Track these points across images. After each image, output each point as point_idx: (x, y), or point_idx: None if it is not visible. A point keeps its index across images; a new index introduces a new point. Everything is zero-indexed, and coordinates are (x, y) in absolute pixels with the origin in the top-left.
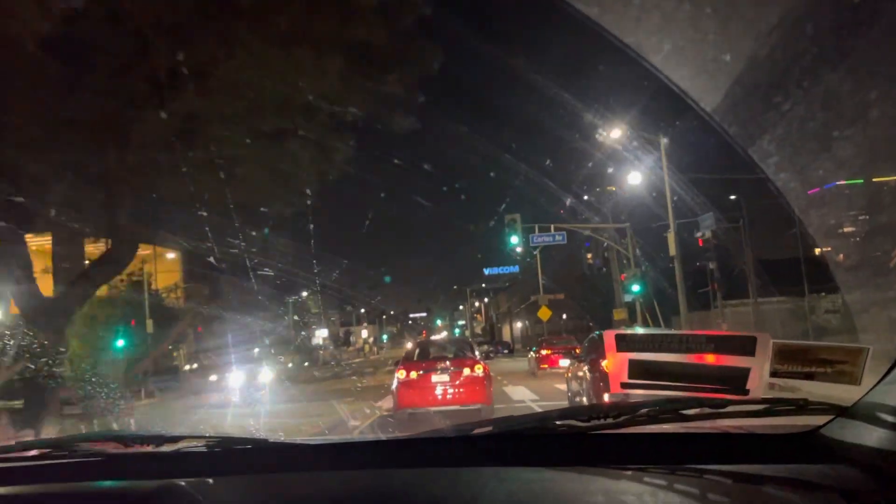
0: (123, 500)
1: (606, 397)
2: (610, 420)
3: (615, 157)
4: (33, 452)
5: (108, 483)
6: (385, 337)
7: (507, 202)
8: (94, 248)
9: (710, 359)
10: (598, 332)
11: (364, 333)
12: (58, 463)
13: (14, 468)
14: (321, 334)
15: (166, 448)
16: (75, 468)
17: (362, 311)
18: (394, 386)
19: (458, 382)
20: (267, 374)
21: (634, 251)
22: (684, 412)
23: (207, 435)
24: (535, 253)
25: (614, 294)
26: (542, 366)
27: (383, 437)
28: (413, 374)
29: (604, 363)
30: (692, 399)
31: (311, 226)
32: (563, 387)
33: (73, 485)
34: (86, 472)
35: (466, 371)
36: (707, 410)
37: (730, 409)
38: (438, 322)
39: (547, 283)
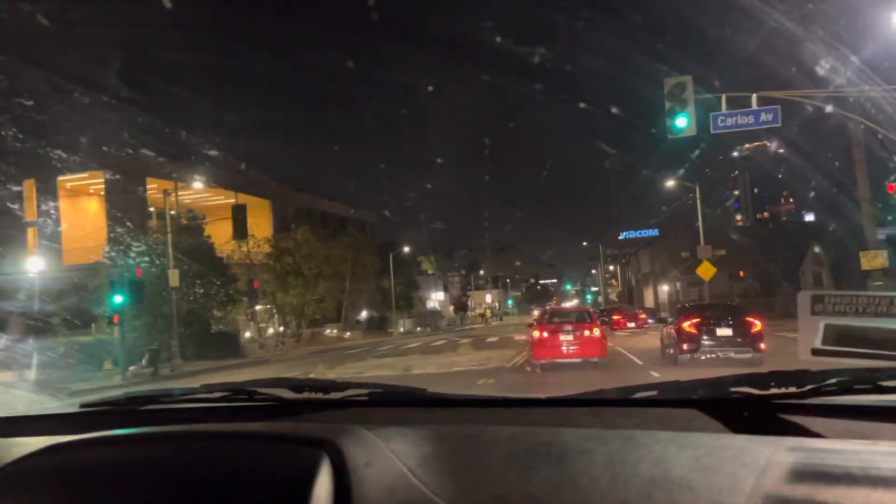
0: (308, 442)
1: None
2: (793, 389)
3: None
4: (216, 394)
5: (289, 423)
6: (510, 302)
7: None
8: None
9: None
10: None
11: (488, 298)
12: (239, 405)
13: (199, 409)
14: (436, 297)
15: (334, 395)
16: (254, 411)
17: (484, 273)
18: (529, 341)
19: (579, 340)
20: None
21: None
22: (884, 384)
23: (371, 384)
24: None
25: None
26: (682, 347)
27: (542, 395)
28: (545, 333)
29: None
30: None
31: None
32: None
33: (259, 424)
34: (265, 414)
35: (586, 332)
36: None
37: None
38: (569, 287)
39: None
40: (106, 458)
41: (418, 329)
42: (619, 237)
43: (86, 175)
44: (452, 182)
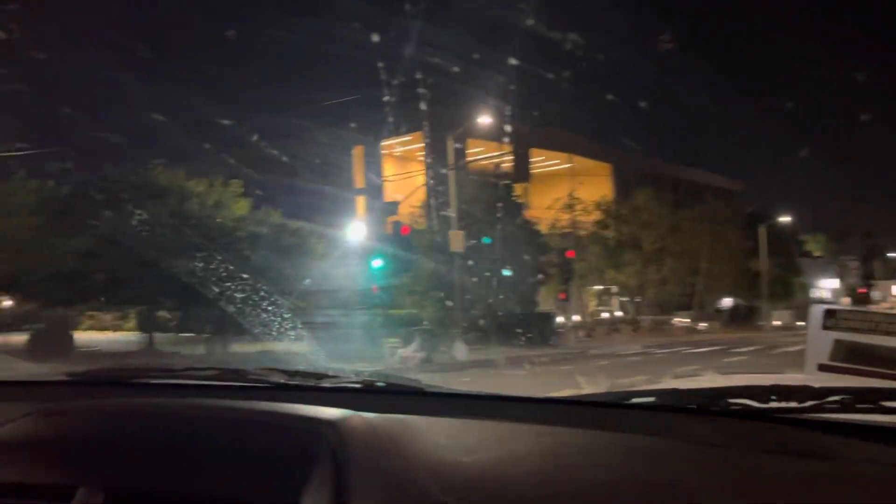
0: (307, 422)
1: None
2: (793, 404)
3: None
4: (209, 373)
5: (279, 406)
6: None
7: None
8: None
9: None
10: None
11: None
12: (228, 385)
13: (186, 385)
14: (826, 285)
15: (326, 383)
16: (244, 391)
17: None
18: None
19: None
20: None
21: None
22: (887, 404)
23: (362, 371)
24: None
25: None
26: None
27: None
28: None
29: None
30: None
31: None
32: None
33: (248, 403)
34: (255, 396)
35: None
36: None
37: None
38: None
39: None
40: (91, 426)
41: (798, 323)
42: None
43: (409, 138)
44: (849, 150)
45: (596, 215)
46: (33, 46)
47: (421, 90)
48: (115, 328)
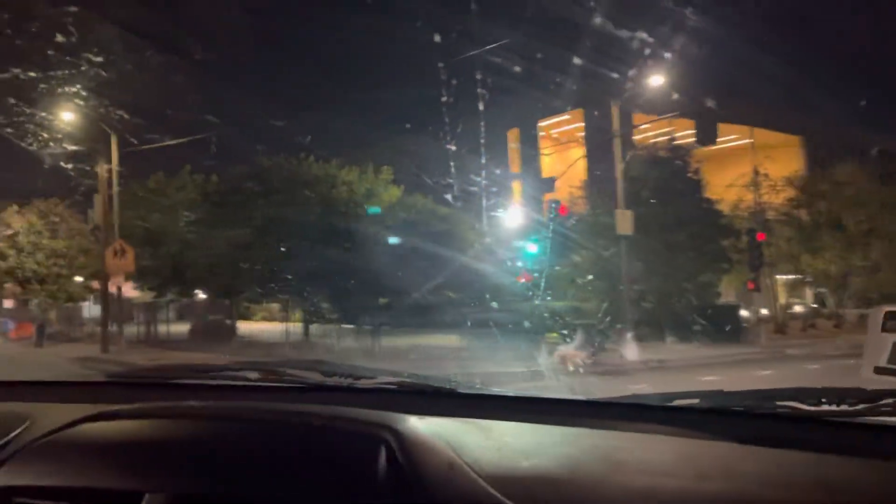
0: (363, 425)
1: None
2: (844, 407)
3: None
4: (249, 373)
5: (338, 409)
6: None
7: None
8: None
9: None
10: None
11: None
12: (269, 385)
13: (227, 386)
14: None
15: (365, 383)
16: (285, 392)
17: None
18: None
19: None
20: None
21: None
22: None
23: (399, 372)
24: None
25: None
26: None
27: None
28: None
29: None
30: None
31: None
32: None
33: (283, 405)
34: (296, 396)
35: None
36: None
37: None
38: None
39: None
40: (147, 430)
41: None
42: None
43: (568, 117)
44: None
45: (787, 193)
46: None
47: (578, 62)
48: (284, 320)
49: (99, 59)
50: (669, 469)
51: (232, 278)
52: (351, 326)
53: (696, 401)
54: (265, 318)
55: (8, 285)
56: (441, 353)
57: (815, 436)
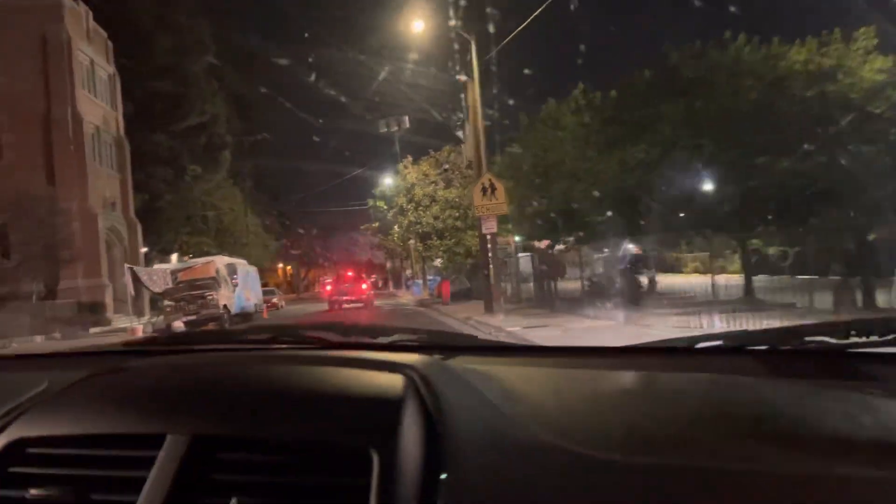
0: (389, 367)
1: None
2: (875, 338)
3: None
4: (262, 336)
5: (359, 353)
6: None
7: None
8: None
9: None
10: None
11: None
12: (288, 347)
13: (245, 349)
14: None
15: (383, 339)
16: (305, 351)
17: None
18: None
19: None
20: None
21: None
22: None
23: (419, 329)
24: None
25: None
26: None
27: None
28: None
29: None
30: None
31: None
32: None
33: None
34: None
35: None
36: None
37: None
38: None
39: None
40: (161, 376)
41: None
42: None
43: None
44: None
45: None
46: None
47: None
48: (721, 271)
49: None
50: (695, 405)
51: (626, 215)
52: (813, 277)
53: (719, 342)
54: (697, 271)
55: (410, 241)
56: None
57: (843, 369)
